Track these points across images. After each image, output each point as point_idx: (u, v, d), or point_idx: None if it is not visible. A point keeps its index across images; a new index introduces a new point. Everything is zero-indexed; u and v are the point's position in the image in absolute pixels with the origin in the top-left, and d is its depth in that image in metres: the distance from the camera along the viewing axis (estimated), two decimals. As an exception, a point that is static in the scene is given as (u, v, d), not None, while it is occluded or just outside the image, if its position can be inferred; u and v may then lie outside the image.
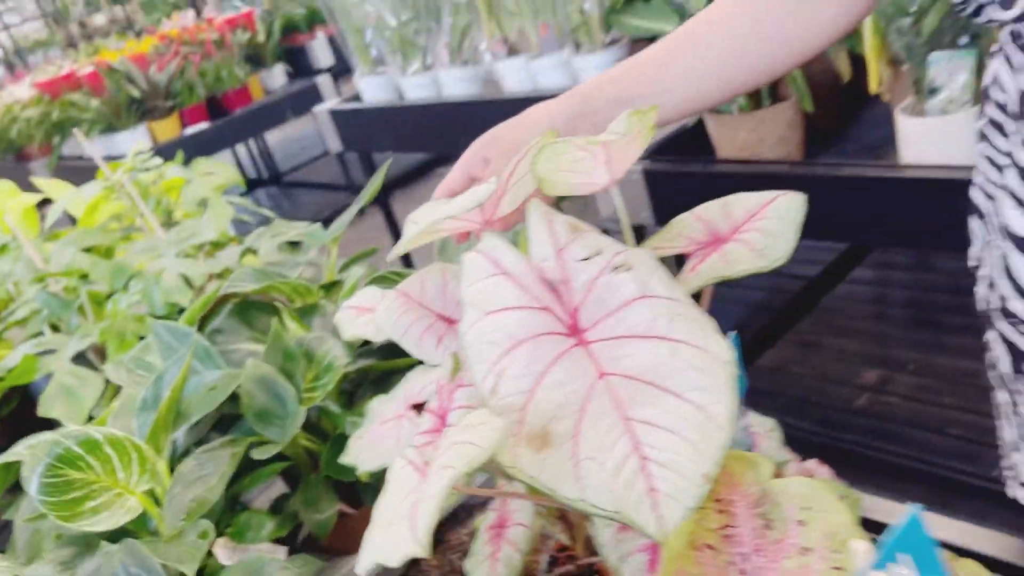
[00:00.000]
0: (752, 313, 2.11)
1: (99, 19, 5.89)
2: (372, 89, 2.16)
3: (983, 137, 0.66)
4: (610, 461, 0.44)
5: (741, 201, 0.59)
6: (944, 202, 1.21)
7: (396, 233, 2.48)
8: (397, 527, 0.42)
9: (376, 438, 0.62)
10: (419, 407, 0.61)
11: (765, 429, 0.69)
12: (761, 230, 0.56)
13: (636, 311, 0.48)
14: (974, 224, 0.71)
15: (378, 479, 0.78)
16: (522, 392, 0.47)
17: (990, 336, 0.67)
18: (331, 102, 2.36)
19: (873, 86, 1.34)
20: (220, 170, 1.31)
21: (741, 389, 0.56)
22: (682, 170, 1.47)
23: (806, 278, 2.14)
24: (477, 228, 0.60)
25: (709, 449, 0.44)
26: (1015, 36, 0.59)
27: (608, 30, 1.59)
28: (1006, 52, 0.61)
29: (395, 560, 0.40)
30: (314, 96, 3.49)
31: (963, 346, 1.71)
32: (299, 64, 4.06)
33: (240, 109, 3.53)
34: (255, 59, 3.79)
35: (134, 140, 3.10)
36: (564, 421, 0.46)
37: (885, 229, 1.31)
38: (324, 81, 3.58)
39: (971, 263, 0.73)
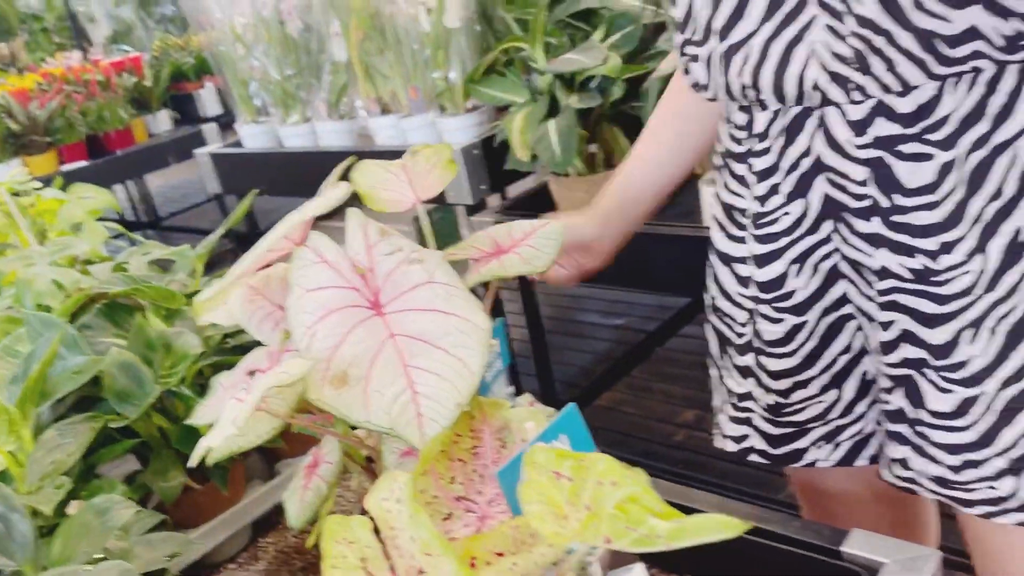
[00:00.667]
0: (596, 361, 2.33)
1: (-22, 53, 5.75)
2: (253, 136, 2.29)
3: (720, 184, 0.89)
4: (390, 393, 0.60)
5: (521, 225, 0.77)
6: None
7: (270, 275, 2.58)
8: (223, 426, 0.56)
9: (217, 401, 0.76)
10: (253, 373, 0.75)
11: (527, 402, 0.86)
12: (531, 246, 0.74)
13: (422, 291, 0.65)
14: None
15: (223, 463, 0.90)
16: (329, 347, 0.62)
17: (706, 327, 0.89)
18: (211, 146, 2.47)
19: (685, 160, 1.58)
20: (96, 194, 1.40)
21: (504, 360, 0.73)
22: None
23: (645, 332, 2.38)
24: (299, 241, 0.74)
25: (463, 387, 0.60)
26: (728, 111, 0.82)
27: (467, 97, 1.80)
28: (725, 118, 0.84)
29: (218, 439, 0.53)
30: (199, 142, 3.57)
31: (767, 391, 1.97)
32: (187, 112, 4.13)
33: (121, 150, 3.56)
34: (142, 103, 3.83)
35: (6, 173, 3.09)
36: (359, 367, 0.61)
37: (692, 281, 1.54)
38: (210, 129, 3.67)
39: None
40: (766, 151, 0.78)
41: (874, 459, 0.88)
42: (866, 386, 0.85)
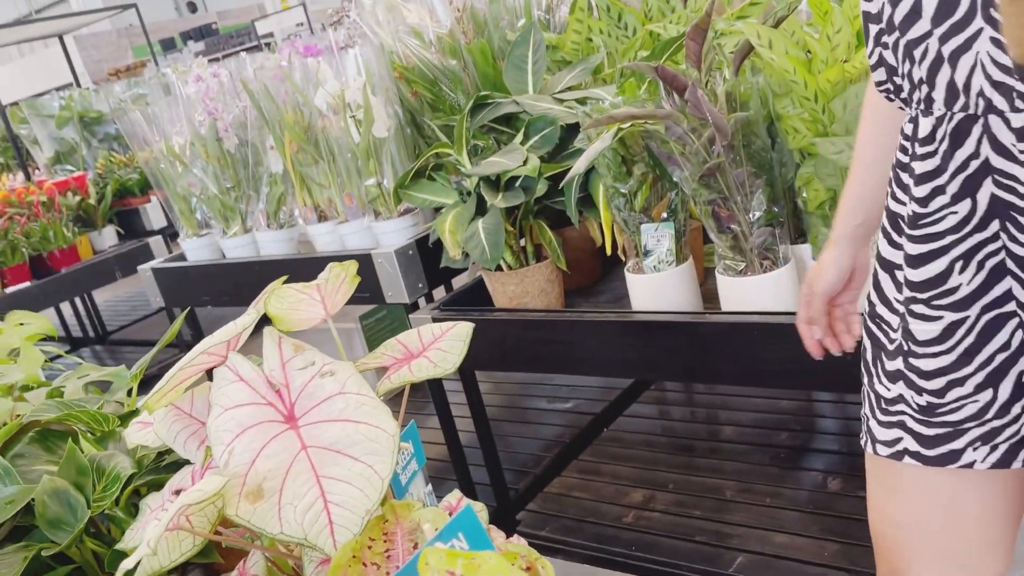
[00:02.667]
0: (547, 446, 2.35)
1: (-82, 178, 5.73)
2: (196, 249, 2.33)
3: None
4: (302, 504, 0.63)
5: (431, 329, 0.82)
6: (666, 341, 1.51)
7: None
8: (140, 549, 0.58)
9: (144, 523, 0.78)
10: (179, 492, 0.77)
11: (477, 510, 0.89)
12: (439, 349, 0.79)
13: (334, 402, 0.69)
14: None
15: None
16: (246, 462, 0.66)
17: (864, 334, 0.93)
18: (153, 262, 2.50)
19: (608, 249, 1.66)
20: (33, 320, 1.43)
21: (419, 461, 0.77)
22: (464, 318, 1.71)
23: (593, 414, 2.41)
24: (223, 360, 0.79)
25: (373, 494, 0.64)
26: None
27: (400, 201, 1.87)
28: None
29: (133, 562, 0.56)
30: (146, 256, 3.59)
31: (711, 466, 2.00)
32: (133, 226, 4.16)
33: (66, 268, 3.57)
34: (87, 221, 3.86)
35: (-52, 298, 3.07)
36: (274, 480, 0.65)
37: (621, 364, 1.60)
38: (156, 242, 3.70)
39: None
40: (930, 155, 0.81)
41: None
42: (1022, 388, 0.86)
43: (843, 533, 1.66)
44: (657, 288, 1.52)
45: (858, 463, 1.93)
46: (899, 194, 0.86)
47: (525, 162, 1.63)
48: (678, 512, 1.88)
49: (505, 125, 1.81)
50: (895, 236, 0.87)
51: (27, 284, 3.39)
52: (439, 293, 2.54)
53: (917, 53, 0.78)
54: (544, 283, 1.74)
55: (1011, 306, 0.83)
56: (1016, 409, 0.87)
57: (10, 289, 3.34)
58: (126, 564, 0.58)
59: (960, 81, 0.76)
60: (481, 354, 1.80)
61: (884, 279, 0.89)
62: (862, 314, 0.94)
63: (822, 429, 2.01)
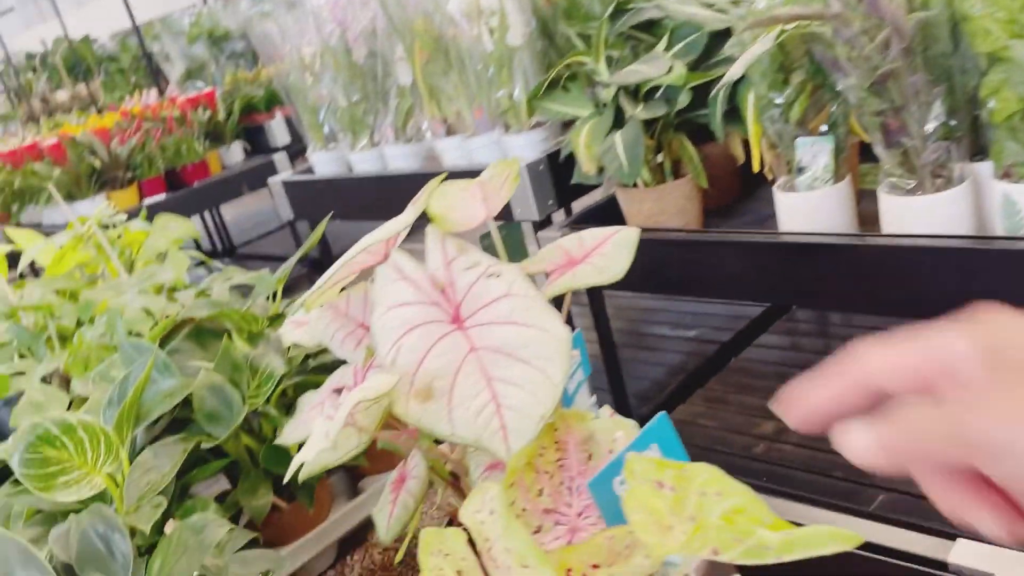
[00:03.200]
0: (670, 373, 2.29)
1: (61, 95, 6.05)
2: (323, 163, 2.34)
3: None
4: (473, 406, 0.60)
5: (592, 235, 0.77)
6: (817, 265, 1.41)
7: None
8: (316, 440, 0.56)
9: (304, 420, 0.77)
10: (339, 391, 0.76)
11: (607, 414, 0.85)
12: (603, 255, 0.74)
13: (501, 304, 0.65)
14: None
15: (309, 482, 0.92)
16: (413, 362, 0.63)
17: None
18: (285, 174, 2.53)
19: (755, 166, 1.55)
20: (178, 224, 1.46)
21: (586, 371, 0.73)
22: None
23: (719, 342, 2.33)
24: (382, 259, 0.76)
25: (546, 399, 0.60)
26: None
27: (532, 114, 1.81)
28: None
29: (311, 454, 0.54)
30: (270, 171, 3.67)
31: (850, 400, 1.90)
32: (257, 142, 4.25)
33: (198, 182, 3.69)
34: (215, 136, 3.97)
35: (93, 207, 3.23)
36: (443, 380, 0.62)
37: (768, 289, 1.51)
38: (280, 158, 3.77)
39: None
40: None
41: None
42: None
43: (999, 477, 1.54)
44: (812, 208, 1.42)
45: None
46: None
47: (669, 70, 1.53)
48: (813, 446, 1.80)
49: (646, 32, 1.70)
50: None
51: (162, 196, 3.53)
52: (558, 218, 2.49)
53: None
54: (683, 201, 1.65)
55: None
56: None
57: (147, 201, 3.48)
58: (302, 456, 0.56)
59: None
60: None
61: None
62: None
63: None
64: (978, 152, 1.35)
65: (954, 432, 0.30)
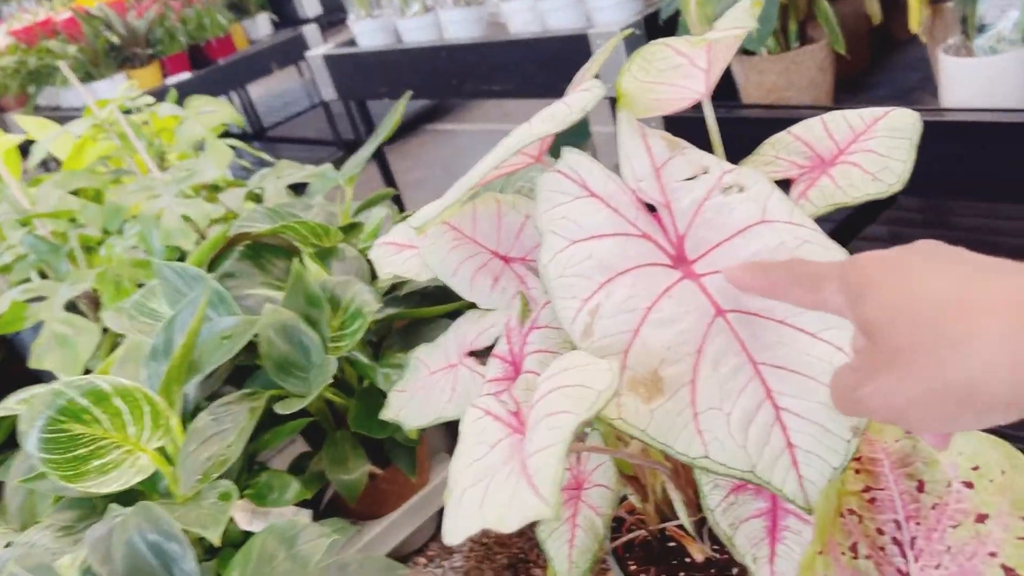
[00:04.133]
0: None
1: (72, -34, 5.64)
2: (368, 33, 2.05)
3: None
4: (737, 411, 0.37)
5: (846, 117, 0.51)
6: (990, 149, 1.15)
7: (393, 187, 2.38)
8: (502, 487, 0.34)
9: (424, 390, 0.55)
10: (475, 354, 0.54)
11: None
12: (872, 150, 0.49)
13: (756, 237, 0.41)
14: None
15: (409, 440, 0.71)
16: (623, 332, 0.40)
17: None
18: (323, 47, 2.24)
19: (914, 26, 1.26)
20: (217, 108, 1.21)
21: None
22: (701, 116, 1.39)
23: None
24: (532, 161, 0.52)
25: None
26: None
27: (628, -34, 1.50)
28: None
29: (513, 524, 0.32)
30: (300, 46, 3.36)
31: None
32: (284, 13, 3.91)
33: (223, 59, 3.40)
34: (238, 7, 3.63)
35: (113, 89, 2.97)
36: (677, 365, 0.39)
37: (937, 181, 1.24)
38: (311, 31, 3.45)
39: None
40: None
41: None
42: None
43: None
44: (994, 75, 1.14)
45: None
46: None
47: (813, -97, 1.21)
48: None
49: None
50: None
51: (187, 75, 3.25)
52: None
53: None
54: (815, 71, 1.36)
55: None
56: None
57: (170, 80, 3.21)
58: (461, 517, 0.34)
59: None
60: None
61: None
62: None
63: None
64: None
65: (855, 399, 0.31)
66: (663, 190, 0.43)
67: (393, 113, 0.95)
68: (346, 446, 0.71)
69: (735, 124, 1.39)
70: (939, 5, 1.24)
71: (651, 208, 0.44)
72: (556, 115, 0.46)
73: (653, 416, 0.38)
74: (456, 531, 0.34)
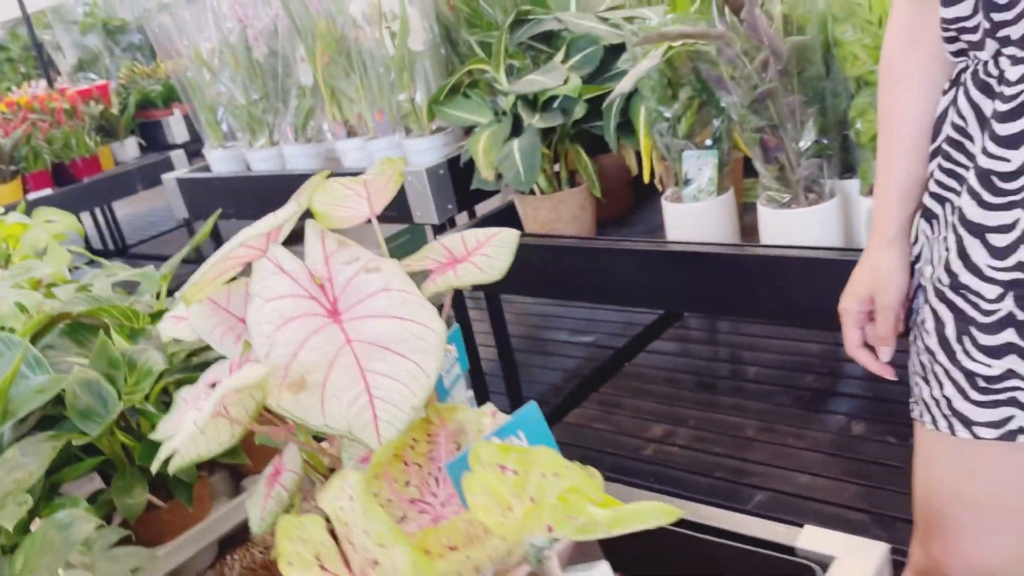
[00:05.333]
0: (566, 378, 2.34)
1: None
2: (221, 161, 2.29)
3: (936, 155, 0.86)
4: (346, 397, 0.61)
5: (475, 234, 0.79)
6: (701, 273, 1.47)
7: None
8: (185, 428, 0.56)
9: (179, 415, 0.76)
10: (215, 386, 0.75)
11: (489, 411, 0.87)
12: (485, 255, 0.76)
13: (379, 298, 0.66)
14: (923, 225, 0.90)
15: (187, 480, 0.90)
16: (288, 354, 0.64)
17: (929, 311, 0.85)
18: (180, 171, 2.47)
19: (646, 177, 1.61)
20: (60, 218, 1.40)
21: (463, 366, 0.74)
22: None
23: (614, 348, 2.40)
24: (262, 253, 0.76)
25: (419, 391, 0.61)
26: (973, 73, 0.80)
27: (432, 119, 1.82)
28: (965, 85, 0.81)
29: (180, 442, 0.54)
30: (167, 169, 3.56)
31: (733, 404, 1.99)
32: (154, 139, 4.11)
33: (88, 178, 3.54)
34: (109, 131, 3.82)
35: (-29, 201, 3.06)
36: (317, 372, 0.63)
37: (655, 294, 1.57)
38: (178, 156, 3.67)
39: (911, 258, 0.92)
40: None
41: None
42: None
43: (865, 475, 1.64)
44: (696, 218, 1.48)
45: (883, 408, 1.91)
46: (992, 148, 0.77)
47: (566, 81, 1.57)
48: (698, 448, 1.87)
49: (545, 43, 1.74)
50: (989, 196, 0.78)
51: (49, 191, 3.38)
52: (462, 220, 2.51)
53: None
54: (577, 209, 1.70)
55: None
56: None
57: (32, 195, 3.33)
58: (172, 444, 0.56)
59: None
60: (509, 278, 1.77)
61: (973, 245, 0.80)
62: (937, 287, 0.84)
63: (848, 373, 1.99)
64: (847, 170, 1.44)
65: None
66: (329, 269, 0.68)
67: (206, 226, 1.18)
68: (133, 477, 0.90)
69: (520, 250, 1.69)
70: (665, 163, 1.60)
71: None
72: (267, 222, 0.71)
73: (298, 403, 0.61)
74: (161, 454, 0.56)
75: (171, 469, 0.63)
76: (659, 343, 2.40)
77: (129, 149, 3.86)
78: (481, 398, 1.96)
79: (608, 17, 1.68)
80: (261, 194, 2.17)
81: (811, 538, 0.73)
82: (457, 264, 0.76)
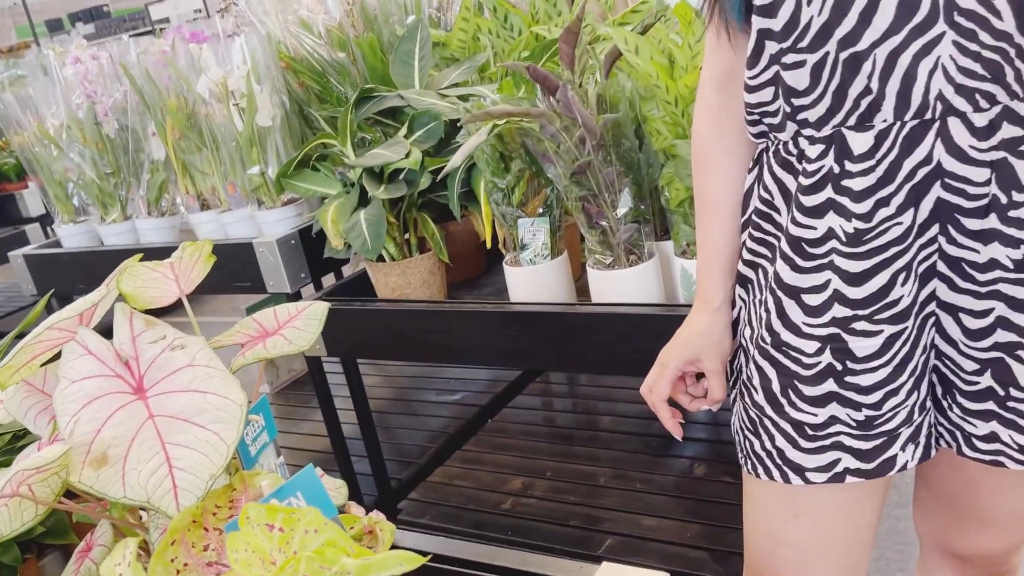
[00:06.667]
0: (432, 437, 2.39)
1: None
2: (73, 236, 2.26)
3: (746, 226, 0.93)
4: (146, 469, 0.65)
5: (287, 309, 0.84)
6: (536, 331, 1.57)
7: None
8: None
9: (-7, 497, 0.78)
10: (29, 466, 0.77)
11: (335, 487, 0.92)
12: (295, 327, 0.82)
13: (183, 374, 0.71)
14: (739, 291, 0.97)
15: (10, 564, 0.91)
16: (91, 432, 0.67)
17: (755, 369, 0.91)
18: (29, 247, 2.41)
19: (488, 243, 1.71)
20: None
21: (271, 434, 0.79)
22: (346, 308, 1.74)
23: (479, 406, 2.47)
24: (73, 335, 0.79)
25: (218, 459, 0.66)
26: (775, 152, 0.88)
27: (283, 191, 1.87)
28: (768, 162, 0.89)
29: None
30: (22, 243, 3.44)
31: (588, 454, 2.09)
32: (8, 213, 3.96)
33: (-69, 255, 3.38)
34: (-44, 205, 3.66)
35: None
36: (119, 447, 0.67)
37: (498, 353, 1.65)
38: (33, 230, 3.55)
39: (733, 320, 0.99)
40: (870, 170, 0.80)
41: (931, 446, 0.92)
42: (933, 382, 0.90)
43: (705, 515, 1.76)
44: (532, 280, 1.58)
45: (722, 450, 2.04)
46: (801, 218, 0.84)
47: (408, 155, 1.66)
48: (554, 498, 1.95)
49: (391, 119, 1.84)
50: (801, 261, 0.85)
51: None
52: (330, 281, 2.55)
53: (867, 65, 0.77)
54: (426, 275, 1.77)
55: (932, 307, 0.85)
56: (927, 401, 0.90)
57: None
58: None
59: (919, 87, 0.76)
60: (363, 344, 1.82)
61: (789, 305, 0.86)
62: (761, 345, 0.90)
63: (692, 419, 2.13)
64: (665, 232, 1.57)
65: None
66: (135, 349, 0.73)
67: (37, 306, 1.18)
68: (-52, 565, 0.89)
69: (369, 316, 1.75)
70: (505, 228, 1.70)
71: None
72: (76, 306, 0.74)
73: (99, 477, 0.65)
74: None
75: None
76: (522, 398, 2.49)
77: (-21, 223, 3.71)
78: (343, 462, 1.98)
79: (448, 94, 1.79)
80: (114, 268, 2.15)
81: (608, 572, 0.81)
82: (267, 337, 0.82)
